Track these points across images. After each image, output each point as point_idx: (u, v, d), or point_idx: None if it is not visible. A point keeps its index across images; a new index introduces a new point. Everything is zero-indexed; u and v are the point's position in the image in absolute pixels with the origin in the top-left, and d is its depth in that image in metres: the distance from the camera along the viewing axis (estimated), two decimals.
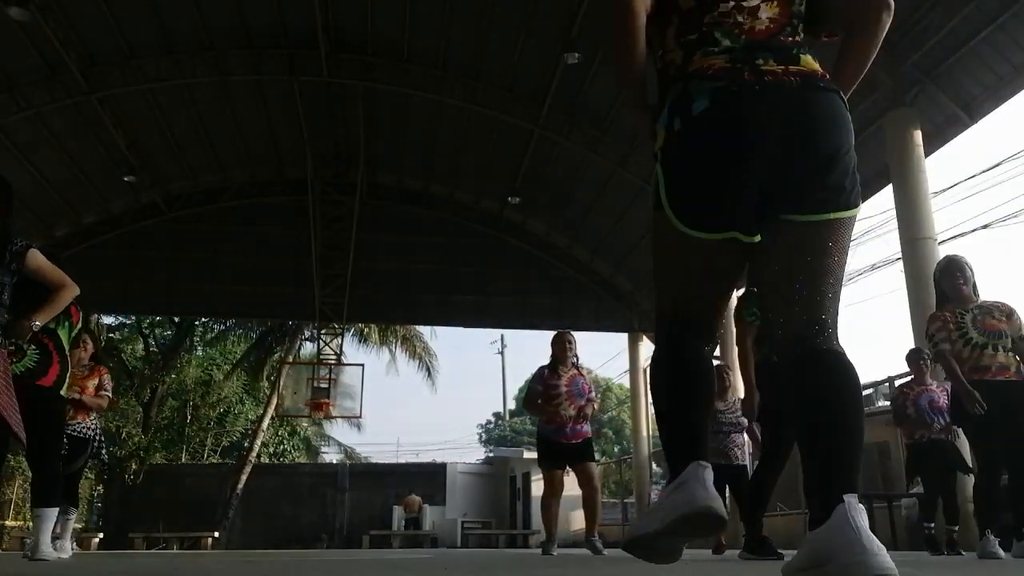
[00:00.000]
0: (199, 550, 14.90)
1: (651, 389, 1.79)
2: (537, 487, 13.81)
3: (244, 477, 18.19)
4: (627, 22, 1.66)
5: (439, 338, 68.63)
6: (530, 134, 13.22)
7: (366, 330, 20.30)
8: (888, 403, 8.84)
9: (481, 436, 41.75)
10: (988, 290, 4.75)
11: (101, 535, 15.99)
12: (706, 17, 1.65)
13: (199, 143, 14.19)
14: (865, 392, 11.55)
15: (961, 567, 3.31)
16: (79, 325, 4.92)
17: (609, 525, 16.02)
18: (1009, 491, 4.38)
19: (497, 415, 42.02)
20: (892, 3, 1.65)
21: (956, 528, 5.88)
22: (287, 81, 12.48)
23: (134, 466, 18.66)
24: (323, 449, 27.23)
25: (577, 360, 6.36)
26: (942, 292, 4.67)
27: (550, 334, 6.52)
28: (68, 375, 4.71)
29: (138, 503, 18.02)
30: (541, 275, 16.12)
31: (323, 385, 15.48)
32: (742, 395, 7.10)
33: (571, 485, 6.33)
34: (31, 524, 5.25)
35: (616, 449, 31.83)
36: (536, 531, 15.85)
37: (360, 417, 19.45)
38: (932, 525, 6.28)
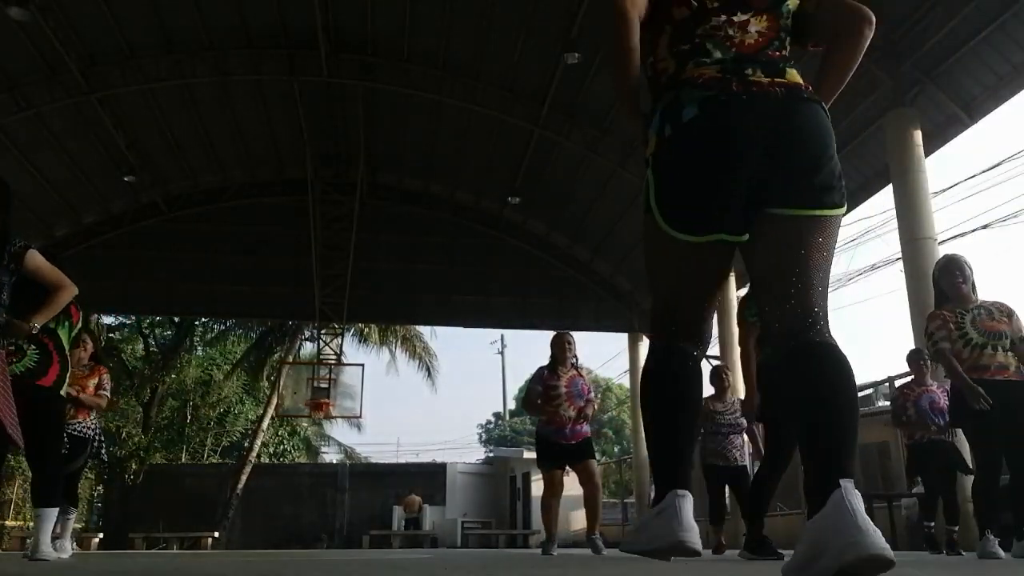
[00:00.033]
0: (199, 550, 14.90)
1: (641, 400, 1.85)
2: (537, 487, 13.80)
3: (244, 477, 18.20)
4: (624, 34, 1.73)
5: (439, 338, 68.71)
6: (530, 134, 13.22)
7: (366, 330, 20.30)
8: (888, 403, 8.83)
9: (481, 436, 41.77)
10: (988, 290, 4.75)
11: (101, 535, 15.98)
12: (699, 29, 1.73)
13: (199, 143, 14.19)
14: (865, 392, 11.54)
15: (961, 567, 3.31)
16: (79, 325, 4.92)
17: (609, 525, 16.02)
18: (1010, 491, 4.38)
19: (497, 415, 42.03)
20: (874, 18, 1.74)
21: (956, 528, 5.88)
22: (287, 81, 12.48)
23: (134, 466, 18.66)
24: (323, 449, 27.25)
25: (576, 361, 6.36)
26: (941, 291, 4.67)
27: (550, 334, 6.51)
28: (68, 375, 4.71)
29: (138, 503, 18.02)
30: (541, 275, 16.12)
31: (323, 385, 15.49)
32: (742, 396, 7.10)
33: (571, 485, 6.32)
34: (31, 524, 5.26)
35: (616, 449, 31.83)
36: (536, 531, 15.85)
37: (360, 417, 19.47)
38: (932, 524, 6.28)
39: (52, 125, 12.47)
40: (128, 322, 23.25)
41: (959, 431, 5.53)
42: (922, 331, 5.09)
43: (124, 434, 19.31)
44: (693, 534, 1.62)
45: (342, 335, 16.07)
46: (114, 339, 22.10)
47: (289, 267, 15.17)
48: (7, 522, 16.64)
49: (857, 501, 1.38)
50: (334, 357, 15.75)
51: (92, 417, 5.93)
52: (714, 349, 13.20)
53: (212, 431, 23.26)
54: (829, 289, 1.69)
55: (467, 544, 16.88)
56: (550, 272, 16.16)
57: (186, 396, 22.56)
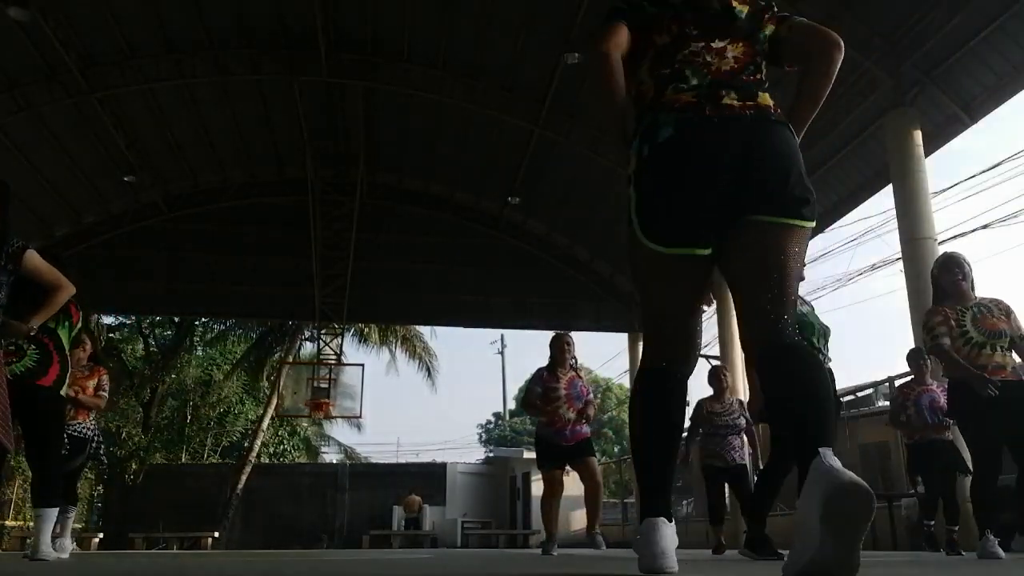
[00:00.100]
0: (199, 550, 14.89)
1: (629, 419, 2.01)
2: (537, 487, 13.77)
3: (244, 477, 18.19)
4: (607, 74, 1.88)
5: (439, 338, 68.71)
6: (530, 134, 13.22)
7: (366, 330, 20.29)
8: (888, 403, 8.83)
9: (481, 436, 41.75)
10: (988, 290, 4.75)
11: (101, 535, 15.98)
12: (678, 55, 1.87)
13: (199, 143, 14.20)
14: (865, 392, 11.55)
15: (961, 567, 3.31)
16: (79, 325, 4.92)
17: (609, 525, 16.01)
18: (1015, 490, 4.37)
19: (497, 415, 42.01)
20: (842, 43, 1.87)
21: (956, 528, 5.87)
22: (287, 81, 12.47)
23: (134, 466, 18.64)
24: (323, 449, 27.20)
25: (575, 362, 6.36)
26: (940, 288, 4.66)
27: (550, 334, 6.52)
28: (68, 375, 4.70)
29: (138, 503, 18.00)
30: (541, 275, 16.11)
31: (323, 385, 15.48)
32: (742, 396, 7.09)
33: (571, 485, 6.32)
34: (31, 524, 5.26)
35: (616, 449, 31.80)
36: (536, 531, 15.84)
37: (360, 417, 19.42)
38: (932, 524, 6.28)
39: (52, 125, 12.47)
40: (128, 322, 23.25)
41: (958, 431, 5.52)
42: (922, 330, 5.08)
43: (124, 434, 19.31)
44: (667, 559, 1.81)
45: (342, 335, 16.07)
46: (114, 339, 22.10)
47: (289, 267, 15.16)
48: (7, 522, 16.64)
49: (835, 461, 1.47)
50: (334, 357, 15.75)
51: (91, 418, 5.94)
52: (714, 349, 13.19)
53: (212, 431, 23.25)
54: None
55: (467, 544, 16.87)
56: (550, 272, 16.15)
57: (186, 396, 22.55)
